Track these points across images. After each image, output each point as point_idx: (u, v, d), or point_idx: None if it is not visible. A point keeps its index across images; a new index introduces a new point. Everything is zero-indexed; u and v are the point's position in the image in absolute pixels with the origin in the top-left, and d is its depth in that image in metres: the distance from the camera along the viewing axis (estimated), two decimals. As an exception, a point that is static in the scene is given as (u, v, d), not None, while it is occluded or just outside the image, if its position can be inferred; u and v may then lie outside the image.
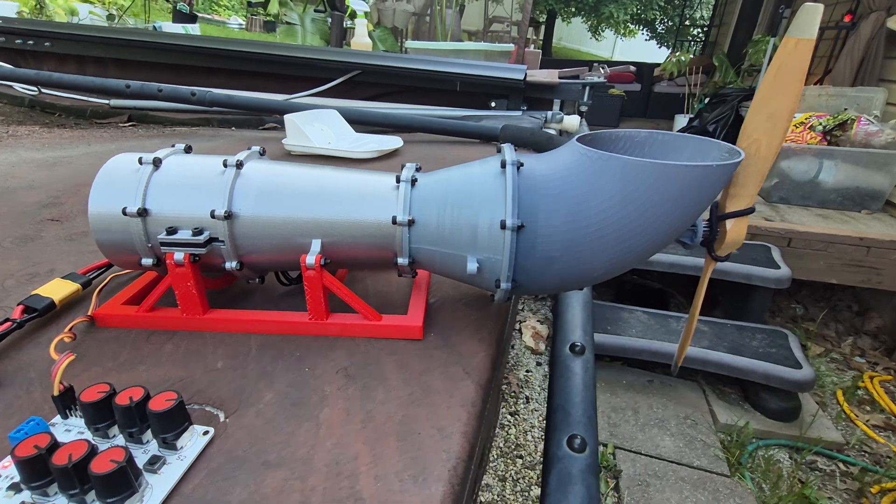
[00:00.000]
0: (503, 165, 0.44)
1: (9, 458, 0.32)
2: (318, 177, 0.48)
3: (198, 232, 0.44)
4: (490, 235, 0.43)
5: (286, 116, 1.15)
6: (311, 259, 0.44)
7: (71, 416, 0.36)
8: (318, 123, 1.19)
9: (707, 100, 4.32)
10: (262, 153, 0.51)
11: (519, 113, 1.50)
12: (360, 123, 1.27)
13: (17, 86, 1.72)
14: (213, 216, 0.44)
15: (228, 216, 0.44)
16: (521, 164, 0.44)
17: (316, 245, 0.45)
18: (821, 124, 3.19)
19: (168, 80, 1.65)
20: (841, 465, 2.25)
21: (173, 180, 0.46)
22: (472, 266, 0.44)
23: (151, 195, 0.45)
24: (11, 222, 0.72)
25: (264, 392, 0.40)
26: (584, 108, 1.57)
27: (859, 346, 3.05)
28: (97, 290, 0.52)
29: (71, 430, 0.35)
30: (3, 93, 1.67)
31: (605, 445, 2.24)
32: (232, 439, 0.36)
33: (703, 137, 0.48)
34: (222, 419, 0.38)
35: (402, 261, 0.46)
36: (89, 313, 0.48)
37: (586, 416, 0.48)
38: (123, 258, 0.47)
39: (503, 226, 0.42)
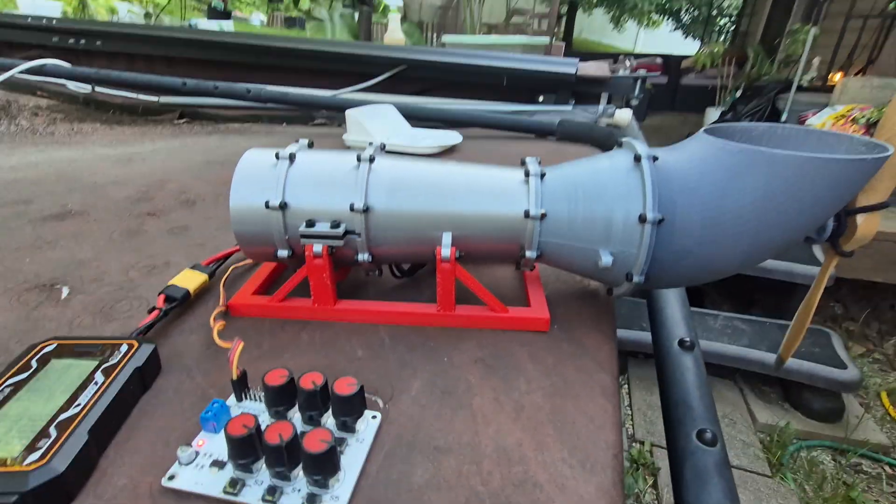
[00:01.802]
0: (637, 159, 0.45)
1: (201, 436, 0.34)
2: (446, 172, 0.49)
3: (335, 224, 0.46)
4: (625, 229, 0.44)
5: (348, 112, 1.17)
6: (446, 252, 0.46)
7: (244, 398, 0.38)
8: (377, 118, 1.20)
9: (740, 92, 4.25)
10: (383, 148, 0.52)
11: (569, 107, 1.49)
12: (415, 119, 1.29)
13: (70, 84, 1.78)
14: (352, 209, 0.45)
15: (366, 210, 0.45)
16: (657, 158, 0.45)
17: (447, 238, 0.47)
18: (864, 117, 3.11)
19: (211, 77, 1.68)
20: (887, 468, 2.21)
21: (309, 175, 0.48)
22: (606, 259, 0.45)
23: (290, 189, 0.47)
24: (113, 216, 0.75)
25: (410, 381, 0.42)
26: (634, 103, 1.56)
27: (903, 347, 2.98)
28: (222, 280, 0.54)
29: (248, 412, 0.37)
30: (59, 91, 1.72)
31: (643, 443, 2.23)
32: (396, 424, 0.37)
33: (825, 130, 0.48)
34: (381, 405, 0.39)
35: (530, 254, 0.48)
36: (223, 303, 0.50)
37: (710, 412, 0.49)
38: (258, 250, 0.49)
39: (643, 219, 0.43)
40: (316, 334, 0.48)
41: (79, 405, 0.34)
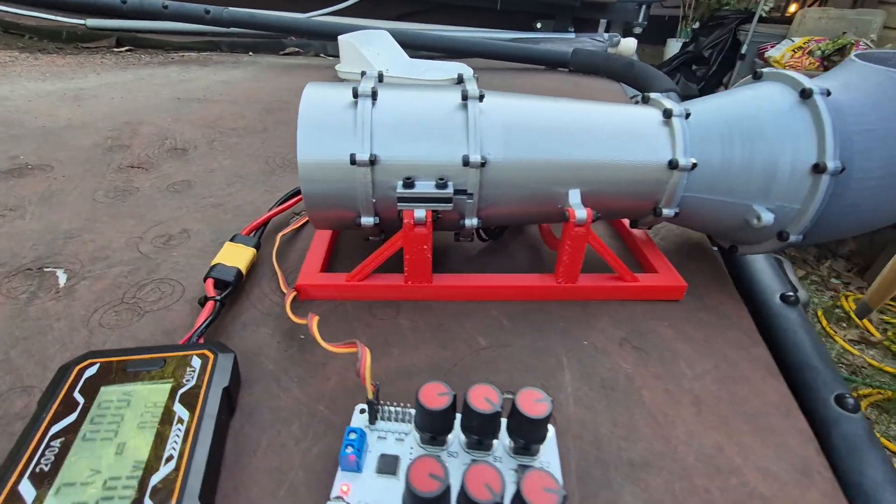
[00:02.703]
0: (805, 94, 0.37)
1: (341, 477, 0.26)
2: (566, 112, 0.39)
3: (441, 183, 0.35)
4: (791, 180, 0.37)
5: (341, 38, 1.00)
6: (581, 214, 0.37)
7: (378, 419, 0.29)
8: (373, 46, 1.04)
9: (698, 24, 4.19)
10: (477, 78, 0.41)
11: (571, 35, 1.37)
12: (410, 48, 1.13)
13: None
14: (466, 163, 0.35)
15: (483, 163, 0.35)
16: (829, 93, 0.37)
17: (575, 196, 0.38)
18: (819, 49, 3.15)
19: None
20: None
21: (401, 119, 0.36)
22: (767, 217, 0.38)
23: (378, 138, 0.35)
24: (86, 171, 0.59)
25: (557, 373, 0.34)
26: (637, 31, 1.45)
27: (835, 269, 3.26)
28: (273, 254, 0.43)
29: (386, 438, 0.28)
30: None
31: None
32: (570, 434, 0.30)
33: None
34: (541, 410, 0.32)
35: (668, 212, 0.40)
36: (284, 284, 0.39)
37: (837, 374, 0.45)
38: (333, 215, 0.38)
39: (820, 168, 0.36)
40: (417, 318, 0.39)
41: (171, 458, 0.24)
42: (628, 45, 1.32)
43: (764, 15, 3.60)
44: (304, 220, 0.50)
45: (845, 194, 0.37)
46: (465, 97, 0.36)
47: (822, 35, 3.23)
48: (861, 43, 3.03)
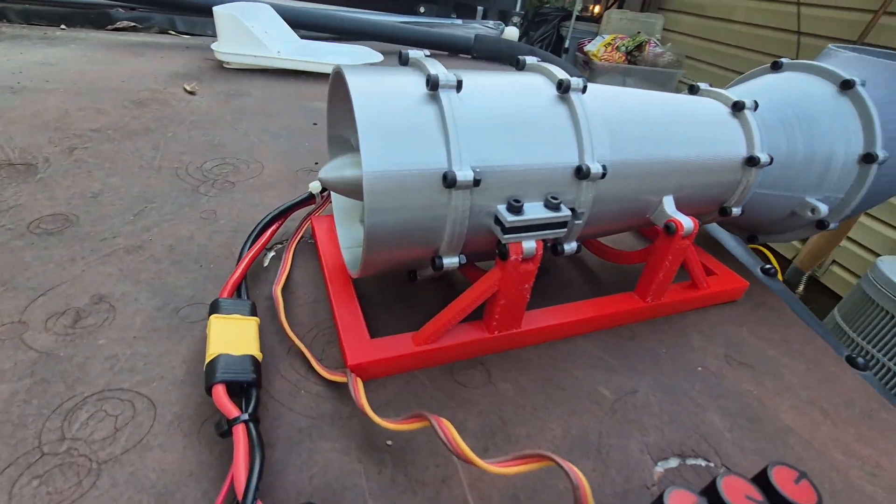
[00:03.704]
0: (846, 86, 0.37)
1: None
2: (651, 103, 0.33)
3: (554, 203, 0.26)
4: (843, 170, 0.37)
5: (217, 10, 0.79)
6: (689, 224, 0.31)
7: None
8: (257, 22, 0.84)
9: (522, 21, 4.53)
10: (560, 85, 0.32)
11: (458, 21, 1.32)
12: (299, 27, 0.95)
13: None
14: (582, 174, 0.26)
15: (604, 174, 0.27)
16: (864, 83, 0.37)
17: (670, 204, 0.32)
18: (624, 45, 3.66)
19: None
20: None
21: (496, 117, 0.26)
22: (823, 209, 0.37)
23: (472, 145, 0.24)
24: None
25: (701, 415, 0.29)
26: (516, 20, 1.46)
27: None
28: (280, 316, 0.29)
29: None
30: None
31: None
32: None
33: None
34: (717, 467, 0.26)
35: (736, 211, 0.37)
36: (320, 366, 0.26)
37: (836, 338, 0.48)
38: (404, 256, 0.26)
39: (870, 159, 0.36)
40: (515, 377, 0.29)
41: None
42: (511, 33, 1.32)
43: (579, 14, 4.05)
44: (289, 259, 0.35)
45: (881, 180, 0.38)
46: (564, 87, 0.27)
47: (624, 33, 3.75)
48: (652, 41, 3.59)
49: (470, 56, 1.08)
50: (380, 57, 0.87)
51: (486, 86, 0.27)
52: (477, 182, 0.24)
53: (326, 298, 0.33)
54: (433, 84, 0.24)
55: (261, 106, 0.66)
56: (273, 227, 0.36)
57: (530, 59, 0.31)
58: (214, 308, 0.27)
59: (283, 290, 0.32)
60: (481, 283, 0.27)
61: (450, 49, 1.07)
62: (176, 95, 0.65)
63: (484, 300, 0.28)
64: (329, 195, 0.39)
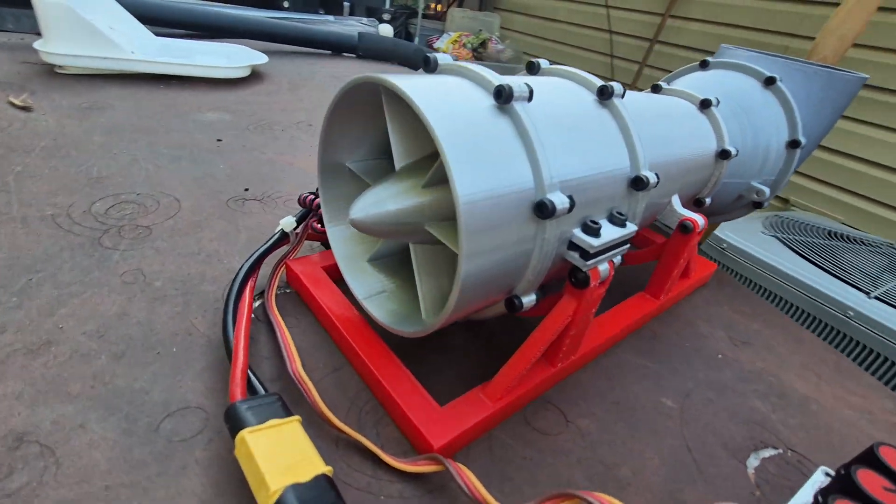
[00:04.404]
0: (769, 82, 0.41)
1: None
2: (650, 105, 0.32)
3: (621, 219, 0.24)
4: (777, 156, 0.41)
5: (41, 2, 0.60)
6: (701, 221, 0.32)
7: None
8: (99, 16, 0.67)
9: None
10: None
11: (330, 17, 1.22)
12: (156, 23, 0.78)
13: None
14: (639, 185, 0.25)
15: (658, 182, 0.26)
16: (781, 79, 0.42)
17: (678, 202, 0.32)
18: (469, 42, 3.84)
19: None
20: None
21: (558, 131, 0.22)
22: (766, 191, 0.41)
23: (554, 167, 0.21)
24: None
25: (749, 402, 0.30)
26: (387, 17, 1.41)
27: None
28: (315, 397, 0.22)
29: None
30: None
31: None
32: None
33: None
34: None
35: (708, 201, 0.39)
36: (409, 462, 0.21)
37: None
38: (485, 299, 0.21)
39: (795, 144, 0.41)
40: (588, 409, 0.26)
41: None
42: (386, 30, 1.27)
43: (424, 12, 4.12)
44: (281, 322, 0.27)
45: (801, 160, 0.44)
46: (607, 93, 0.25)
47: (468, 31, 3.92)
48: (493, 38, 3.82)
49: (355, 56, 1.01)
50: (264, 58, 0.76)
51: (550, 95, 0.23)
52: (571, 207, 0.20)
53: (348, 364, 0.26)
54: (507, 96, 0.20)
55: (134, 121, 0.51)
56: (250, 283, 0.27)
57: (544, 63, 0.28)
58: (235, 419, 0.19)
59: (283, 360, 0.25)
60: (555, 316, 0.24)
61: (333, 48, 0.99)
62: (2, 113, 0.48)
63: (557, 335, 0.24)
64: (303, 234, 0.31)
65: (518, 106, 0.20)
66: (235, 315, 0.25)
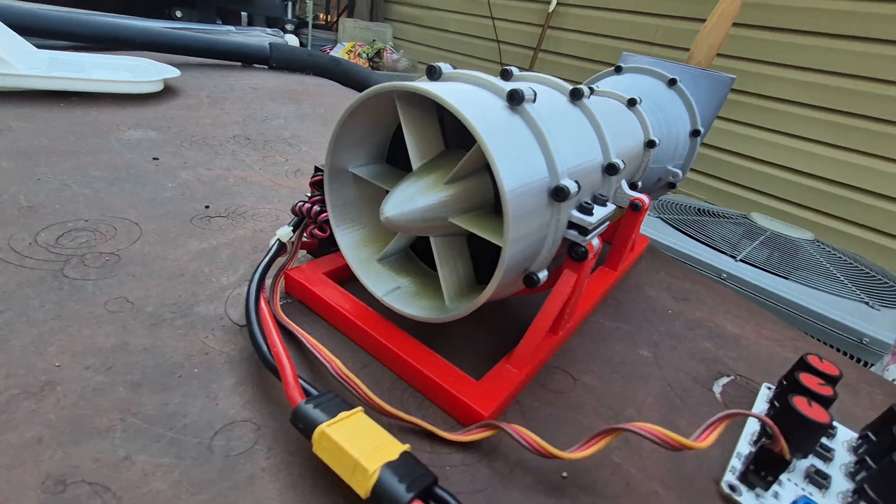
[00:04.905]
0: (671, 83, 0.49)
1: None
2: (594, 104, 0.37)
3: (602, 199, 0.28)
4: (684, 144, 0.49)
5: None
6: (646, 199, 0.37)
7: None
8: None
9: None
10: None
11: (231, 28, 1.16)
12: (35, 34, 0.69)
13: None
14: (612, 171, 0.29)
15: (624, 166, 0.30)
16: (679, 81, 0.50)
17: (625, 185, 0.38)
18: (364, 52, 3.84)
19: None
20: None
21: (560, 125, 0.26)
22: (680, 174, 0.49)
23: (559, 154, 0.24)
24: None
25: (704, 344, 0.36)
26: (290, 27, 1.36)
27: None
28: (366, 391, 0.23)
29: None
30: None
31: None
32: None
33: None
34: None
35: (640, 185, 0.45)
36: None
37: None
38: (516, 280, 0.24)
39: (695, 133, 0.49)
40: (588, 369, 0.30)
41: None
42: (292, 41, 1.24)
43: (313, 22, 4.03)
44: (303, 331, 0.27)
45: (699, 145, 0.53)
46: (579, 95, 0.29)
47: (361, 41, 3.91)
48: (388, 48, 3.86)
49: (267, 67, 0.98)
50: (176, 72, 0.71)
51: (544, 96, 0.26)
52: (578, 190, 0.24)
53: (374, 360, 0.27)
54: (518, 98, 0.23)
55: (45, 143, 0.46)
56: (263, 297, 0.27)
57: (516, 71, 0.32)
58: (306, 419, 0.19)
59: (312, 365, 0.25)
60: (561, 289, 0.27)
61: (244, 59, 0.94)
62: None
63: (562, 305, 0.28)
64: (298, 243, 0.31)
65: (528, 106, 0.23)
66: (262, 329, 0.25)
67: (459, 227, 0.25)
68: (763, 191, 1.82)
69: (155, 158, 0.47)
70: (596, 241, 0.27)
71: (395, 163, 0.30)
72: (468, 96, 0.22)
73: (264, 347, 0.24)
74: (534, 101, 0.24)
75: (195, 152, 0.50)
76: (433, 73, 0.25)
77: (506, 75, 0.31)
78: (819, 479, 0.25)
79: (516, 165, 0.21)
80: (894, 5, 1.42)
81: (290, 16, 1.40)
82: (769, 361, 0.36)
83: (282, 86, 0.86)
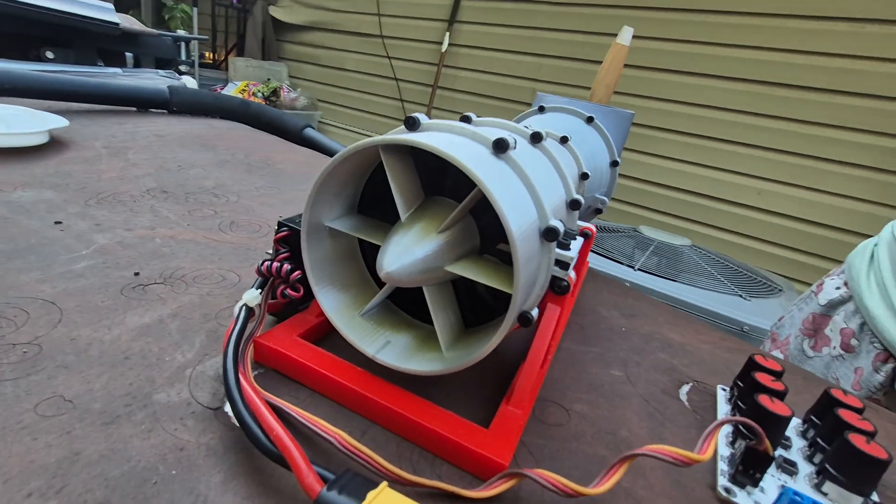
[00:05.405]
0: (589, 120, 0.54)
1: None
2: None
3: (573, 233, 0.30)
4: (606, 174, 0.54)
5: None
6: (592, 226, 0.40)
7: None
8: None
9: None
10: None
11: (118, 70, 1.05)
12: None
13: None
14: (575, 206, 0.31)
15: (583, 201, 0.32)
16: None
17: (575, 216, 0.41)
18: (260, 91, 3.71)
19: None
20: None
21: (539, 167, 0.27)
22: (606, 200, 0.54)
23: (543, 195, 0.25)
24: None
25: (649, 357, 0.39)
26: (185, 69, 1.27)
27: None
28: (379, 460, 0.21)
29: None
30: None
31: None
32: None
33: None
34: (701, 383, 0.36)
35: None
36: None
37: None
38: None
39: (614, 164, 0.55)
40: (578, 394, 0.31)
41: None
42: (191, 83, 1.16)
43: (200, 62, 3.81)
44: (292, 406, 0.25)
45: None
46: (538, 138, 0.31)
47: (254, 80, 3.79)
48: (284, 87, 3.77)
49: (167, 111, 0.90)
50: (64, 121, 0.62)
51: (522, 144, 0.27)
52: (563, 229, 0.25)
53: (373, 424, 0.25)
54: (504, 147, 0.23)
55: None
56: (242, 373, 0.24)
57: (423, 119, 0.33)
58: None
59: (309, 441, 0.23)
60: (547, 323, 0.28)
61: (140, 104, 0.86)
62: None
63: (547, 349, 0.28)
64: (265, 306, 0.29)
65: (512, 153, 0.24)
66: (252, 413, 0.22)
67: (453, 274, 0.24)
68: (647, 206, 2.06)
69: (58, 222, 0.40)
70: (573, 273, 0.29)
71: (367, 213, 0.29)
72: (465, 150, 0.22)
73: (260, 434, 0.21)
74: (514, 147, 0.25)
75: (106, 211, 0.44)
76: (413, 125, 0.25)
77: (412, 124, 0.31)
78: (789, 467, 0.27)
79: (515, 210, 0.21)
80: (737, 49, 1.74)
81: (184, 57, 1.31)
82: (714, 363, 0.40)
83: (189, 131, 0.79)
